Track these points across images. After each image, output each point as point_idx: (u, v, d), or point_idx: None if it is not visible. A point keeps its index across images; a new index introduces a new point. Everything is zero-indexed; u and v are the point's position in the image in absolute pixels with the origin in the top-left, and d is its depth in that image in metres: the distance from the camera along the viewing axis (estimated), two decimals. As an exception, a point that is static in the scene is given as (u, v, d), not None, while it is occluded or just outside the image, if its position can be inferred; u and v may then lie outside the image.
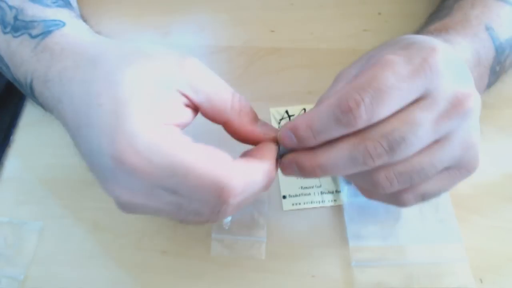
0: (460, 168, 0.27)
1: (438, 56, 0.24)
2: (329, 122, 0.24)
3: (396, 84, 0.24)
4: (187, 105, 0.26)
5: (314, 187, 0.36)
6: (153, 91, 0.24)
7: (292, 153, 0.27)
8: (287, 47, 0.44)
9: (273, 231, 0.34)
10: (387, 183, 0.26)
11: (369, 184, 0.27)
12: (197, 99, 0.26)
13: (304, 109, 0.40)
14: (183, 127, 0.26)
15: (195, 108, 0.27)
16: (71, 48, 0.28)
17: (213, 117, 0.27)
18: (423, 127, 0.24)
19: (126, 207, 0.26)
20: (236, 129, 0.27)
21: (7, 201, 0.36)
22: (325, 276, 0.33)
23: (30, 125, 0.40)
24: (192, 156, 0.23)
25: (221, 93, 0.27)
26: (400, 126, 0.24)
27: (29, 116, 0.41)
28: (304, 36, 0.45)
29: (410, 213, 0.34)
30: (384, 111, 0.24)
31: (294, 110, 0.40)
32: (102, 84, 0.24)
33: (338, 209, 0.35)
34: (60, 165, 0.38)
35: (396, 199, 0.28)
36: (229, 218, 0.34)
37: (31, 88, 0.30)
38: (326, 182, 0.37)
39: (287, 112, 0.40)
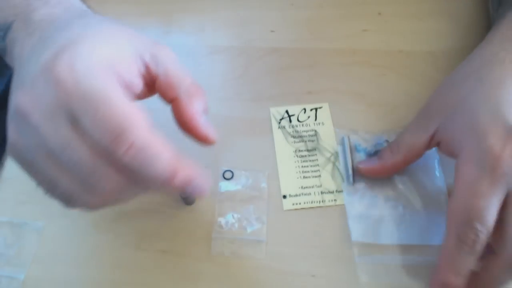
0: None
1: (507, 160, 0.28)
2: (458, 257, 0.28)
3: (486, 205, 0.28)
4: (143, 75, 0.27)
5: (314, 187, 0.36)
6: (119, 46, 0.26)
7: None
8: (287, 47, 0.44)
9: (273, 231, 0.34)
10: None
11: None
12: (156, 69, 0.27)
13: (304, 109, 0.40)
14: (128, 91, 0.26)
15: (149, 84, 0.28)
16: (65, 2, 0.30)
17: (165, 92, 0.28)
18: None
19: (17, 128, 0.24)
20: (181, 109, 0.28)
21: (7, 201, 0.36)
22: (325, 276, 0.33)
23: (30, 125, 0.40)
24: (116, 96, 0.23)
25: (180, 73, 0.28)
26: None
27: (29, 116, 0.41)
28: (304, 36, 0.45)
29: (414, 213, 0.34)
30: (491, 218, 0.28)
31: (294, 110, 0.40)
32: (78, 26, 0.26)
33: (338, 209, 0.35)
34: (60, 165, 0.38)
35: None
36: None
37: (7, 28, 0.30)
38: (326, 182, 0.37)
39: (287, 112, 0.40)
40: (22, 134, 0.24)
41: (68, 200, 0.26)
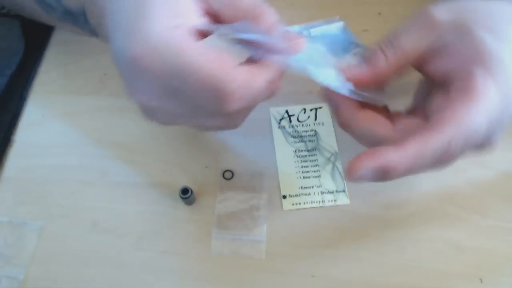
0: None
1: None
2: (426, 165, 0.25)
3: (480, 139, 0.26)
4: (207, 13, 0.27)
5: (314, 187, 0.36)
6: None
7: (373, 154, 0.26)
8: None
9: (273, 231, 0.34)
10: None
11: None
12: (215, 4, 0.27)
13: (304, 109, 0.40)
14: (201, 33, 0.27)
15: (215, 17, 0.27)
16: None
17: (230, 17, 0.27)
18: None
19: (147, 111, 0.28)
20: None
21: (7, 201, 0.36)
22: (325, 276, 0.33)
23: (30, 125, 0.40)
24: (196, 58, 0.24)
25: (241, 2, 0.27)
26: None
27: (29, 116, 0.41)
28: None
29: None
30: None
31: (294, 110, 0.40)
32: None
33: (338, 209, 0.35)
34: (60, 165, 0.38)
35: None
36: None
37: (84, 13, 0.33)
38: (326, 182, 0.37)
39: (287, 112, 0.40)
40: (156, 116, 0.28)
41: (203, 129, 0.32)
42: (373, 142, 0.28)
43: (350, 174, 0.26)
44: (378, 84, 0.29)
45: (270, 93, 0.27)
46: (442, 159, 0.25)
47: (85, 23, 0.34)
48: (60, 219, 0.35)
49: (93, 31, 0.34)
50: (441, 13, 0.27)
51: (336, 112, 0.30)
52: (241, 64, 0.26)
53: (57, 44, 0.45)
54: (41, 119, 0.40)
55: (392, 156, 0.25)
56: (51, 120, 0.40)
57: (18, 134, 0.40)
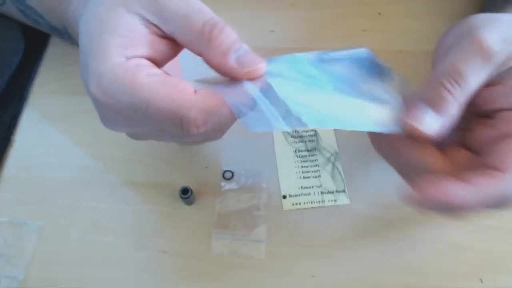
0: None
1: None
2: (489, 205, 0.24)
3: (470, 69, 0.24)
4: (163, 36, 0.26)
5: (314, 187, 0.36)
6: (124, 24, 0.25)
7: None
8: (287, 47, 0.44)
9: (273, 231, 0.34)
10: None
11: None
12: (167, 29, 0.25)
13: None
14: (165, 58, 0.26)
15: (171, 40, 0.26)
16: None
17: (189, 48, 0.26)
18: None
19: (129, 134, 0.29)
20: (208, 61, 0.25)
21: (7, 201, 0.36)
22: (325, 276, 0.33)
23: (30, 125, 0.40)
24: (151, 89, 0.24)
25: (192, 22, 0.25)
26: None
27: (29, 116, 0.41)
28: (304, 36, 0.45)
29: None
30: None
31: (294, 110, 0.40)
32: (93, 31, 0.25)
33: (338, 209, 0.35)
34: (60, 165, 0.38)
35: None
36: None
37: (66, 31, 0.33)
38: (326, 182, 0.37)
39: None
40: (133, 136, 0.29)
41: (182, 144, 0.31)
42: (418, 171, 0.26)
43: (410, 200, 0.25)
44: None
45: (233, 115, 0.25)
46: (505, 203, 0.25)
47: (69, 38, 0.34)
48: (60, 219, 0.35)
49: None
50: (494, 40, 0.25)
51: (376, 136, 0.28)
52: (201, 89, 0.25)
53: (57, 44, 0.45)
54: (41, 119, 0.40)
55: (462, 192, 0.23)
56: (51, 120, 0.40)
57: (18, 134, 0.40)
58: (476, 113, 0.27)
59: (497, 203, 0.25)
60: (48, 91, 0.42)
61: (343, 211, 0.35)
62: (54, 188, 0.37)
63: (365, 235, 0.34)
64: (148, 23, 0.25)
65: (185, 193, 0.34)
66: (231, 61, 0.25)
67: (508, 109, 0.26)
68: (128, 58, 0.24)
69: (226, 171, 0.37)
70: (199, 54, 0.26)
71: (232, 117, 0.25)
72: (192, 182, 0.36)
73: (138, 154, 0.38)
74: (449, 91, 0.25)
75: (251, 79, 0.25)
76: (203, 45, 0.25)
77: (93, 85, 0.24)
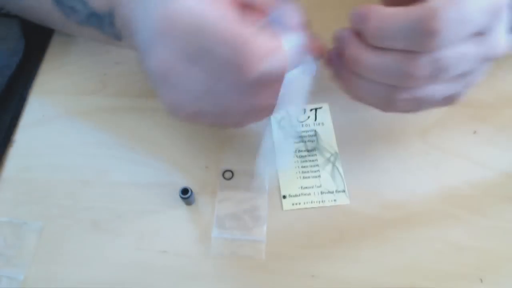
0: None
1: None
2: (403, 34, 0.24)
3: (474, 15, 0.24)
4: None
5: (314, 187, 0.36)
6: None
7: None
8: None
9: (273, 231, 0.34)
10: (404, 106, 0.28)
11: (382, 98, 0.28)
12: None
13: (304, 109, 0.40)
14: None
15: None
16: None
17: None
18: (468, 61, 0.25)
19: (170, 95, 0.28)
20: None
21: (7, 201, 0.36)
22: (325, 276, 0.33)
23: (30, 125, 0.40)
24: (222, 18, 0.25)
25: None
26: (451, 56, 0.24)
27: (29, 116, 0.41)
28: (304, 36, 0.45)
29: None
30: (454, 41, 0.24)
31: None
32: None
33: (338, 209, 0.35)
34: (60, 165, 0.38)
35: (389, 104, 0.29)
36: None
37: (111, 15, 0.33)
38: (326, 182, 0.37)
39: (287, 112, 0.40)
40: (174, 90, 0.28)
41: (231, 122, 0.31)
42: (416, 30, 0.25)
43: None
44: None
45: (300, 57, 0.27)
46: (426, 31, 0.24)
47: (109, 25, 0.34)
48: (60, 219, 0.35)
49: (116, 35, 0.34)
50: None
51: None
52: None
53: (57, 44, 0.45)
54: (41, 119, 0.40)
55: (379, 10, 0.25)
56: (51, 120, 0.40)
57: (18, 134, 0.40)
58: None
59: (418, 32, 0.24)
60: (48, 91, 0.42)
61: (343, 211, 0.35)
62: (54, 188, 0.37)
63: (365, 235, 0.34)
64: None
65: (185, 193, 0.34)
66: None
67: None
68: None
69: (226, 171, 0.37)
70: None
71: (294, 57, 0.26)
72: (192, 182, 0.36)
73: (138, 154, 0.38)
74: None
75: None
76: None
77: (172, 5, 0.25)
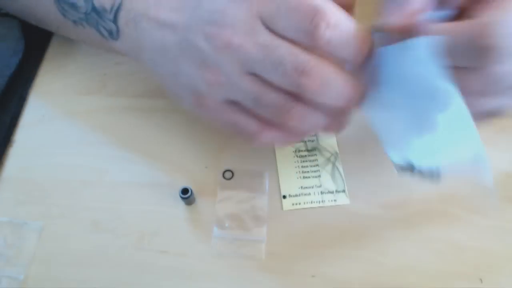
0: None
1: None
2: (456, 53, 0.23)
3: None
4: None
5: (314, 187, 0.36)
6: None
7: None
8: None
9: (273, 231, 0.34)
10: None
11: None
12: None
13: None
14: None
15: None
16: None
17: None
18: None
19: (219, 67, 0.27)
20: None
21: (7, 201, 0.36)
22: (325, 276, 0.33)
23: (30, 125, 0.40)
24: None
25: None
26: (506, 70, 0.24)
27: (29, 116, 0.41)
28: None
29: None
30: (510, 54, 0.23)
31: (294, 110, 0.40)
32: None
33: (338, 209, 0.35)
34: (60, 165, 0.38)
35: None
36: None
37: (118, 9, 0.32)
38: (326, 182, 0.37)
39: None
40: (221, 64, 0.27)
41: (269, 109, 0.27)
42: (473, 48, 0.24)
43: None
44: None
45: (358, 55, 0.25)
46: (482, 48, 0.23)
47: (110, 21, 0.33)
48: (60, 219, 0.35)
49: (113, 32, 0.34)
50: None
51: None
52: None
53: (57, 44, 0.45)
54: (41, 119, 0.40)
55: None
56: (51, 120, 0.40)
57: (18, 134, 0.40)
58: None
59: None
60: (48, 91, 0.42)
61: (343, 211, 0.35)
62: (54, 188, 0.37)
63: (365, 235, 0.34)
64: None
65: (185, 193, 0.34)
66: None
67: None
68: None
69: (226, 171, 0.37)
70: None
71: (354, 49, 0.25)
72: (192, 182, 0.36)
73: (138, 154, 0.38)
74: None
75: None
76: None
77: None
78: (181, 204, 0.36)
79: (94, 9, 0.34)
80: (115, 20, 0.33)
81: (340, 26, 0.25)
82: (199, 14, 0.28)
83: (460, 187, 0.36)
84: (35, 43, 0.44)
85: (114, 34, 0.34)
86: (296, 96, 0.27)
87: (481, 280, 0.32)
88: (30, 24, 0.42)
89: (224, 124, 0.30)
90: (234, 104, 0.29)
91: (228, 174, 0.37)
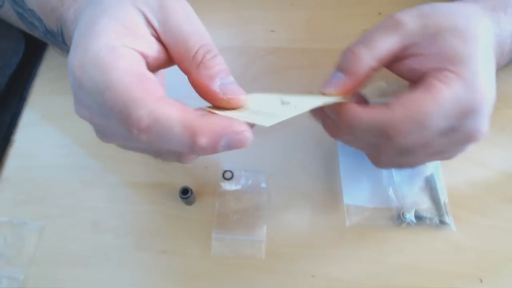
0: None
1: (486, 104, 0.27)
2: (367, 133, 0.27)
3: (438, 124, 0.26)
4: (159, 40, 0.26)
5: (314, 187, 0.36)
6: (128, 16, 0.25)
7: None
8: (287, 47, 0.44)
9: (273, 231, 0.34)
10: (386, 165, 0.32)
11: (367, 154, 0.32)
12: (165, 38, 0.26)
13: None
14: (158, 64, 0.26)
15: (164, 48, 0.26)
16: None
17: (179, 64, 0.26)
18: (435, 147, 0.28)
19: (97, 131, 0.28)
20: (194, 82, 0.26)
21: (7, 201, 0.36)
22: (325, 276, 0.33)
23: (30, 125, 0.40)
24: (120, 76, 0.23)
25: (189, 40, 0.25)
26: (414, 145, 0.27)
27: (29, 116, 0.41)
28: (304, 36, 0.45)
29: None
30: (412, 141, 0.27)
31: (294, 110, 0.40)
32: (96, 15, 0.25)
33: (338, 209, 0.35)
34: (60, 165, 0.38)
35: (375, 160, 0.32)
36: None
37: (61, 34, 0.33)
38: (326, 182, 0.37)
39: None
40: (107, 138, 0.28)
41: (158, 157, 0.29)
42: (377, 133, 0.27)
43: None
44: (360, 87, 0.29)
45: (189, 145, 0.23)
46: (386, 135, 0.26)
47: (63, 43, 0.34)
48: (60, 219, 0.35)
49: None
50: (407, 16, 0.28)
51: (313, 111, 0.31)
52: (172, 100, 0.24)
53: (57, 44, 0.45)
54: (41, 119, 0.40)
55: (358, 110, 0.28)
56: (51, 120, 0.40)
57: (18, 134, 0.40)
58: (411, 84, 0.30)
59: (380, 135, 0.27)
60: (48, 91, 0.42)
61: (343, 211, 0.35)
62: (54, 188, 0.37)
63: (365, 235, 0.34)
64: (150, 25, 0.25)
65: (185, 193, 0.34)
66: (215, 86, 0.25)
67: (424, 68, 0.28)
68: (121, 46, 0.24)
69: (226, 171, 0.37)
70: (187, 73, 0.26)
71: (180, 139, 0.23)
72: (192, 182, 0.36)
73: (138, 154, 0.38)
74: (354, 53, 0.28)
75: (229, 108, 0.25)
76: (193, 65, 0.25)
77: (77, 57, 0.24)
78: (181, 204, 0.36)
79: (47, 31, 0.35)
80: (64, 41, 0.34)
81: (156, 123, 0.23)
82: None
83: (460, 187, 0.36)
84: (35, 42, 0.44)
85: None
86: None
87: (481, 280, 0.32)
88: (30, 24, 0.42)
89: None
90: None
91: (228, 174, 0.37)
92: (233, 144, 0.24)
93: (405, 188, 0.35)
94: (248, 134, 0.24)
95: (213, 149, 0.23)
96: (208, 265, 0.33)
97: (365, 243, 0.34)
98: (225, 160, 0.38)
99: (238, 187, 0.36)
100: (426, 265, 0.33)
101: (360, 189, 0.36)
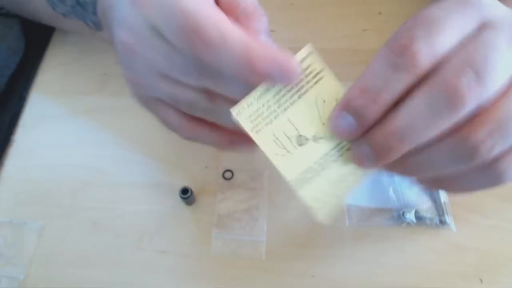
0: None
1: None
2: (387, 73, 0.21)
3: (446, 14, 0.21)
4: None
5: (314, 187, 0.36)
6: None
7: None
8: (287, 47, 0.44)
9: (273, 231, 0.34)
10: (485, 145, 0.21)
11: (458, 156, 0.21)
12: None
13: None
14: None
15: None
16: None
17: (225, 9, 0.25)
18: (500, 52, 0.21)
19: (126, 60, 0.26)
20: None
21: (7, 201, 0.36)
22: (325, 276, 0.33)
23: (30, 125, 0.40)
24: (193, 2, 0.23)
25: None
26: (472, 51, 0.20)
27: (29, 116, 0.41)
28: (304, 36, 0.45)
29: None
30: (443, 42, 0.21)
31: (294, 110, 0.40)
32: None
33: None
34: (60, 165, 0.38)
35: (491, 173, 0.22)
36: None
37: (94, 2, 0.33)
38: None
39: None
40: (134, 66, 0.26)
41: (191, 107, 0.27)
42: None
43: None
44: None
45: (244, 64, 0.23)
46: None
47: (92, 14, 0.34)
48: (60, 219, 0.35)
49: (97, 24, 0.35)
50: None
51: None
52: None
53: (57, 44, 0.45)
54: (41, 119, 0.40)
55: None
56: (51, 120, 0.40)
57: (18, 134, 0.40)
58: None
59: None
60: (48, 91, 0.42)
61: (343, 211, 0.35)
62: (54, 188, 0.37)
63: (365, 235, 0.34)
64: None
65: (185, 193, 0.34)
66: (263, 40, 0.26)
67: None
68: None
69: (226, 171, 0.37)
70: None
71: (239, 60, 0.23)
72: (192, 182, 0.36)
73: (138, 154, 0.38)
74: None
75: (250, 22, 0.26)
76: (243, 16, 0.26)
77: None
78: (181, 204, 0.36)
79: (78, 2, 0.35)
80: (94, 11, 0.34)
81: (224, 43, 0.22)
82: (117, 14, 0.27)
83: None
84: (35, 42, 0.44)
85: (98, 25, 0.35)
86: (210, 93, 0.26)
87: (481, 280, 0.32)
88: (30, 24, 0.42)
89: (158, 119, 0.30)
90: (160, 100, 0.28)
91: (228, 174, 0.37)
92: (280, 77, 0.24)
93: (405, 188, 0.35)
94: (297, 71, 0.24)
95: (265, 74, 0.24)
96: (208, 265, 0.33)
97: (365, 243, 0.34)
98: (225, 160, 0.38)
99: (238, 187, 0.36)
100: (426, 265, 0.33)
101: (360, 189, 0.35)
